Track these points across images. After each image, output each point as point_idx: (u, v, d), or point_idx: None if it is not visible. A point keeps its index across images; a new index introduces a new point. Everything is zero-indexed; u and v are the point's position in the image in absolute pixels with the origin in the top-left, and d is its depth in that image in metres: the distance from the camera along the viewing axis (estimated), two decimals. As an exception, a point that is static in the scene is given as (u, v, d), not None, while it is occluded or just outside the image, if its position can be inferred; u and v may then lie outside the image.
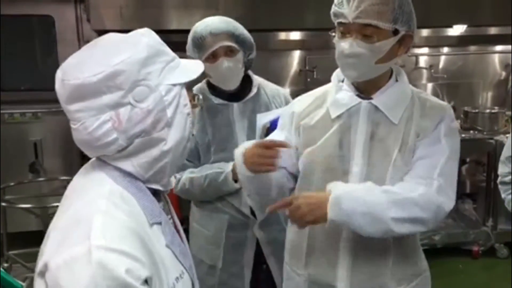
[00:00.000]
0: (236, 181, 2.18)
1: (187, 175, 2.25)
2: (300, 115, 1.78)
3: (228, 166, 2.19)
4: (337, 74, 1.76)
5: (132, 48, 1.07)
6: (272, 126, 2.14)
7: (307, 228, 1.70)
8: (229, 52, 2.15)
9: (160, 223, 1.12)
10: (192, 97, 1.19)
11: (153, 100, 1.07)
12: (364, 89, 1.69)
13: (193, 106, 1.19)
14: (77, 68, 1.04)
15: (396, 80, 1.71)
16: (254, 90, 2.29)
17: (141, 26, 3.63)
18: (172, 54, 1.14)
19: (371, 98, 1.67)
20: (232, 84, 2.23)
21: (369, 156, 1.65)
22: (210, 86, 2.29)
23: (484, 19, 4.46)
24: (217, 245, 2.31)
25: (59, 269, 0.95)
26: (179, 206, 4.01)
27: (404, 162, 1.64)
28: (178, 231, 1.28)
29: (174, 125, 1.11)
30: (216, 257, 2.31)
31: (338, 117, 1.69)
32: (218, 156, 2.24)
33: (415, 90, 1.74)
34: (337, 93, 1.72)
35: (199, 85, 2.31)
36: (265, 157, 1.64)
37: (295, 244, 1.81)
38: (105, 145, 1.07)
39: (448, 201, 1.62)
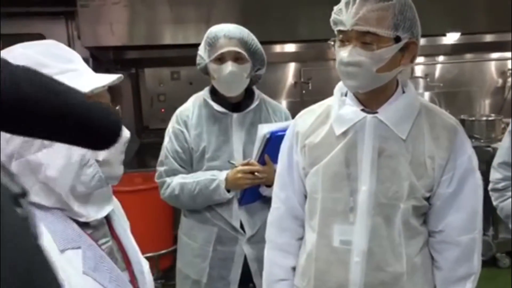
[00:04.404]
0: (229, 190, 2.17)
1: (177, 180, 2.22)
2: (305, 134, 1.71)
3: (222, 174, 2.17)
4: (339, 88, 1.69)
5: None
6: (272, 137, 2.10)
7: (314, 250, 1.67)
8: (238, 58, 2.15)
9: (78, 248, 1.01)
10: None
11: None
12: (369, 102, 1.61)
13: None
14: None
15: (403, 92, 1.64)
16: (255, 102, 2.28)
17: (131, 42, 3.61)
18: (59, 66, 1.01)
19: (376, 112, 1.60)
20: (232, 91, 2.21)
21: (378, 174, 1.58)
22: (213, 92, 2.28)
23: (477, 27, 4.44)
24: (203, 258, 2.26)
25: None
26: (174, 224, 3.97)
27: (417, 178, 1.58)
28: (126, 255, 1.18)
29: (55, 147, 0.98)
30: (202, 271, 2.27)
31: (343, 133, 1.61)
32: (212, 164, 2.22)
33: (423, 102, 1.67)
34: (341, 108, 1.63)
35: (201, 92, 2.31)
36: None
37: (304, 266, 1.74)
38: None
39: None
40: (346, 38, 1.51)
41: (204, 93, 2.30)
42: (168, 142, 2.26)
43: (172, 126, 2.28)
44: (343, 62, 1.51)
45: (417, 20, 1.52)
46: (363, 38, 1.47)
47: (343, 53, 1.51)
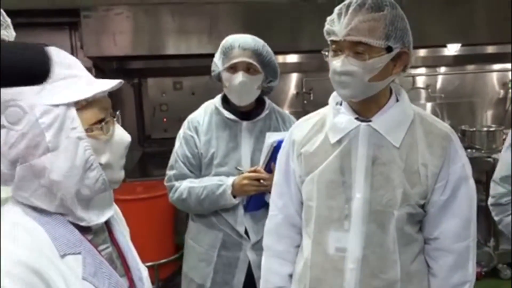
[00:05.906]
0: (235, 196, 2.20)
1: (186, 184, 2.26)
2: (301, 142, 1.73)
3: (229, 180, 2.21)
4: (334, 97, 1.72)
5: None
6: (279, 146, 2.10)
7: (309, 257, 1.68)
8: (250, 69, 2.19)
9: (78, 253, 1.03)
10: (100, 120, 1.05)
11: (26, 122, 0.96)
12: (363, 111, 1.63)
13: (96, 131, 1.04)
14: None
15: (397, 100, 1.65)
16: (265, 112, 2.32)
17: (134, 52, 3.64)
18: (61, 72, 1.02)
19: (370, 121, 1.61)
20: (243, 100, 2.25)
21: (372, 181, 1.59)
22: (225, 100, 2.33)
23: (479, 38, 4.46)
24: (208, 263, 2.30)
25: None
26: (175, 233, 3.97)
27: (411, 185, 1.58)
28: (125, 262, 1.19)
29: (59, 151, 0.99)
30: (206, 276, 2.30)
31: (338, 142, 1.63)
32: (219, 170, 2.26)
33: (417, 110, 1.68)
34: (335, 116, 1.66)
35: (213, 100, 2.37)
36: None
37: (300, 273, 1.75)
38: None
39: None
40: (339, 48, 1.53)
41: (216, 101, 2.35)
42: (179, 147, 2.31)
43: (183, 131, 2.33)
44: (336, 71, 1.54)
45: (408, 30, 1.54)
46: (355, 48, 1.49)
47: (336, 63, 1.53)
